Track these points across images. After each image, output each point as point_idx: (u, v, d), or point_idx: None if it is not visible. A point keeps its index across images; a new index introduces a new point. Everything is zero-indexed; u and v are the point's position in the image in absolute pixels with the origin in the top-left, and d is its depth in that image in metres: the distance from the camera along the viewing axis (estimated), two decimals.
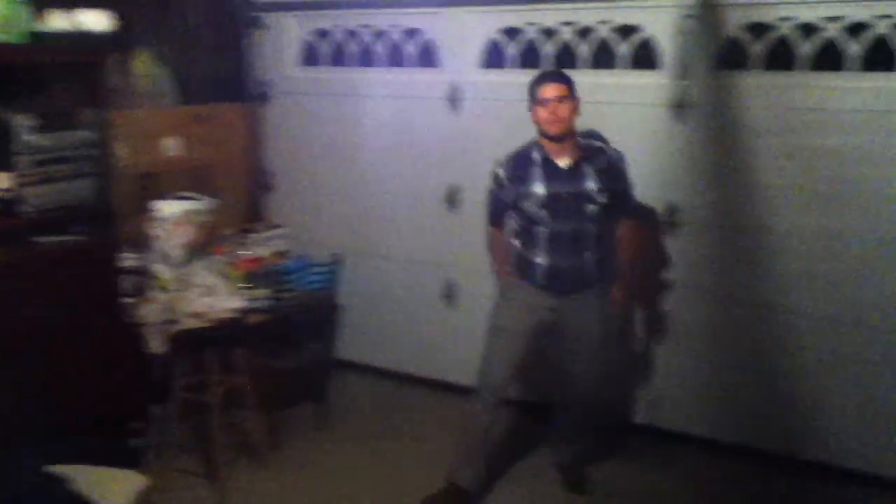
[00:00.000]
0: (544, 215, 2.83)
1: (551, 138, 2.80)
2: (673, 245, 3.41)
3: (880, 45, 2.95)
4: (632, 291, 3.13)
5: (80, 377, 2.97)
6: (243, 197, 4.28)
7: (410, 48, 3.88)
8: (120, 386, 3.12)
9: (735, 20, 3.16)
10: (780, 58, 3.13)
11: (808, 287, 3.21)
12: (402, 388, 4.11)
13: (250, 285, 3.50)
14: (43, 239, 2.95)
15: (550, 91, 2.75)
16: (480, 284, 3.64)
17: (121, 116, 3.61)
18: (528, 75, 2.76)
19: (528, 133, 3.51)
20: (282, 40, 4.18)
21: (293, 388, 3.79)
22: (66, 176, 2.98)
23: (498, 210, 3.00)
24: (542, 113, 2.77)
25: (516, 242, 2.97)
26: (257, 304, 3.35)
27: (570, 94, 2.77)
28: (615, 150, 2.92)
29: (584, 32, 3.46)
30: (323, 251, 3.88)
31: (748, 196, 3.23)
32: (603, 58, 3.46)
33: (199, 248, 3.39)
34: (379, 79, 3.98)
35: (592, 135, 2.96)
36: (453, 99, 3.75)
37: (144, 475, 2.57)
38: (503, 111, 3.56)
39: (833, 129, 3.04)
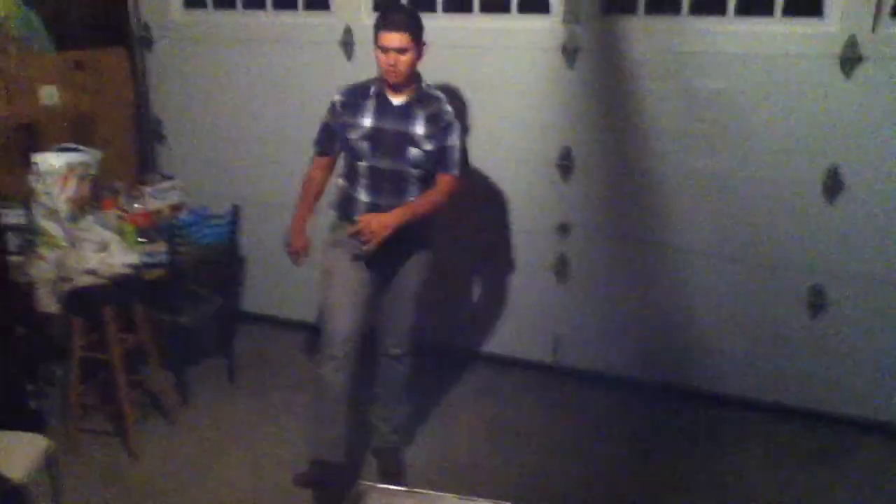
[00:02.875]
0: (366, 148, 2.77)
1: (390, 86, 2.75)
2: (567, 188, 3.52)
3: None
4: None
5: None
6: (131, 147, 4.10)
7: None
8: (13, 348, 2.99)
9: None
10: (667, 1, 3.24)
11: (695, 225, 3.39)
12: (304, 337, 4.12)
13: (145, 240, 3.40)
14: None
15: (391, 40, 2.63)
16: None
17: None
18: (425, 19, 2.74)
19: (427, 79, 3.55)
20: None
21: (197, 343, 3.74)
22: None
23: (326, 138, 2.90)
24: (381, 59, 2.68)
25: (341, 180, 2.91)
26: (154, 259, 3.26)
27: (414, 44, 2.66)
28: (451, 107, 2.81)
29: None
30: (218, 202, 3.79)
31: (638, 139, 3.37)
32: (494, 1, 3.48)
33: (88, 203, 3.26)
34: (268, 22, 3.87)
35: (440, 88, 2.90)
36: (346, 43, 3.70)
37: (47, 437, 2.50)
38: None
39: (715, 73, 3.19)
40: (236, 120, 4.03)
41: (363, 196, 2.83)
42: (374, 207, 2.79)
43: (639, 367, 3.64)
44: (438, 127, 2.78)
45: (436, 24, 3.49)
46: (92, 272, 3.00)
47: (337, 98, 2.85)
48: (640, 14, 3.28)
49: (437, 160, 2.80)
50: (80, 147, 3.36)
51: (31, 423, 2.90)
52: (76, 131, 3.69)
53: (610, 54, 3.32)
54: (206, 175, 4.11)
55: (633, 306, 3.58)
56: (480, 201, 3.67)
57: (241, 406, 3.56)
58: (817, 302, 3.29)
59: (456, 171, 2.83)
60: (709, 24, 3.19)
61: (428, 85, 2.83)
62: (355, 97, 2.82)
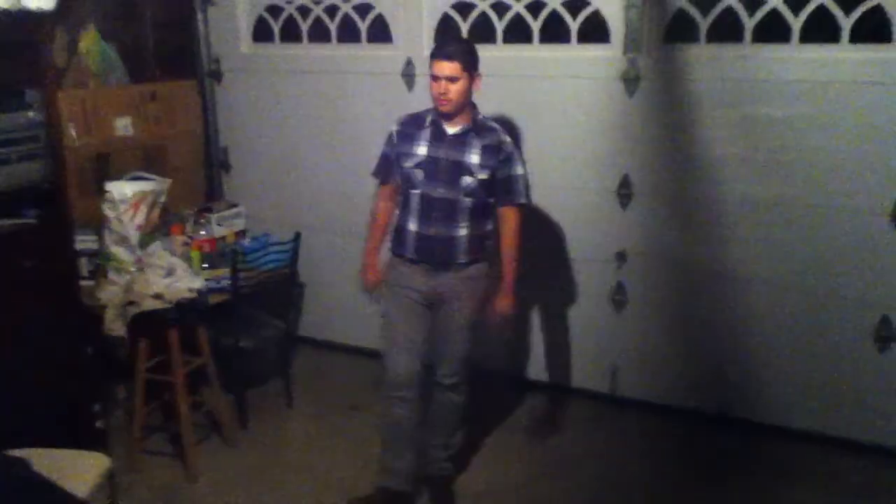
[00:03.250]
0: (419, 176, 2.79)
1: (442, 115, 2.77)
2: (626, 216, 3.48)
3: (822, 16, 3.04)
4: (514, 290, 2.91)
5: (39, 361, 2.94)
6: (199, 176, 4.24)
7: (362, 24, 3.87)
8: (81, 369, 3.10)
9: None
10: (727, 30, 3.20)
11: (755, 254, 3.31)
12: (362, 362, 4.15)
13: (210, 265, 3.50)
14: None
15: (442, 69, 2.67)
16: None
17: (69, 96, 3.56)
18: (482, 50, 2.77)
19: (484, 109, 3.57)
20: (234, 16, 4.14)
21: (257, 366, 3.81)
22: (15, 158, 2.92)
23: (385, 167, 2.94)
24: (433, 88, 2.72)
25: (398, 210, 2.92)
26: (218, 284, 3.35)
27: (465, 72, 2.68)
28: (510, 139, 2.85)
29: (535, 7, 3.49)
30: (280, 229, 3.89)
31: (698, 166, 3.32)
32: (554, 31, 3.49)
33: (156, 229, 3.38)
34: (332, 55, 3.97)
35: (497, 118, 2.95)
36: (407, 74, 3.77)
37: (109, 456, 2.58)
38: None
39: (777, 100, 3.13)
40: (299, 150, 4.13)
41: (412, 226, 2.84)
42: (423, 239, 2.82)
43: (697, 397, 3.55)
44: (498, 158, 2.80)
45: (495, 54, 3.56)
46: (158, 296, 3.10)
47: (395, 128, 2.91)
48: (702, 42, 3.25)
49: (502, 191, 2.84)
50: (151, 175, 3.49)
51: (96, 442, 2.99)
52: (147, 160, 3.84)
53: (670, 83, 3.29)
54: (270, 203, 4.22)
55: (692, 336, 3.50)
56: (539, 229, 3.66)
57: (298, 429, 3.60)
58: (885, 334, 3.16)
59: (523, 200, 2.87)
60: (772, 51, 3.14)
61: (484, 116, 2.85)
62: (412, 126, 2.86)
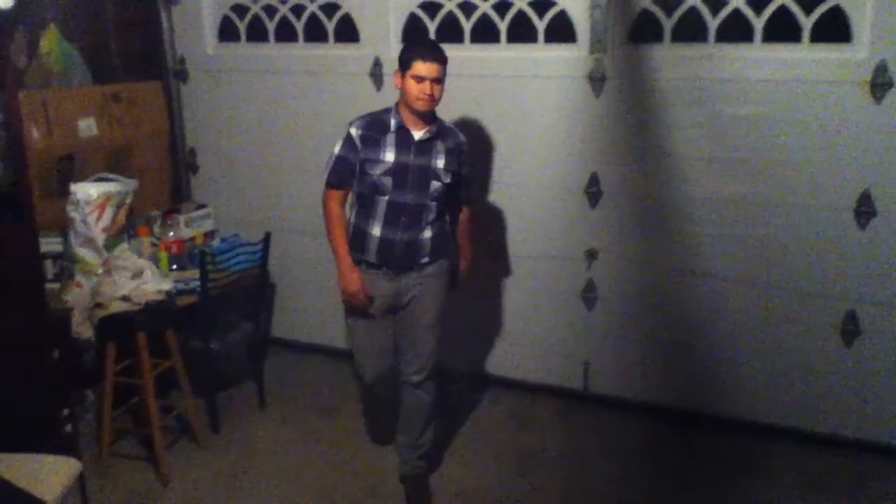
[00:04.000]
0: (388, 183, 2.78)
1: (418, 114, 2.77)
2: (595, 214, 3.52)
3: (784, 16, 3.11)
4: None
5: (5, 366, 2.88)
6: (165, 177, 4.19)
7: (329, 23, 3.86)
8: (48, 373, 3.05)
9: None
10: (692, 29, 3.26)
11: (723, 251, 3.36)
12: (335, 362, 4.14)
13: (178, 267, 3.46)
14: None
15: (429, 70, 2.69)
16: None
17: (29, 96, 3.50)
18: (449, 50, 2.78)
19: (454, 109, 3.60)
20: (198, 15, 4.10)
21: (227, 368, 3.78)
22: None
23: (343, 171, 2.83)
24: (415, 88, 2.70)
25: (353, 216, 2.90)
26: (186, 286, 3.31)
27: (444, 75, 2.74)
28: (465, 137, 2.94)
29: (502, 6, 3.52)
30: (249, 230, 3.86)
31: (665, 165, 3.37)
32: (521, 32, 3.52)
33: (123, 230, 3.34)
34: (299, 55, 3.95)
35: (461, 119, 3.09)
36: (375, 74, 3.77)
37: (78, 461, 2.54)
38: None
39: (742, 99, 3.19)
40: (267, 150, 4.11)
41: (376, 230, 2.82)
42: (387, 243, 2.82)
43: (669, 394, 3.60)
44: (458, 159, 2.88)
45: (463, 54, 3.58)
46: (126, 299, 3.06)
47: (355, 131, 2.82)
48: (667, 42, 3.30)
49: (457, 190, 2.93)
50: (117, 177, 3.45)
51: (65, 446, 2.95)
52: (113, 161, 3.79)
53: (636, 82, 3.34)
54: (239, 203, 4.19)
55: (663, 333, 3.55)
56: (508, 228, 3.69)
57: (271, 431, 3.58)
58: (851, 329, 3.24)
59: (476, 198, 3.06)
60: (736, 50, 3.19)
61: (440, 118, 2.90)
62: (374, 131, 2.81)
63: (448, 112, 3.57)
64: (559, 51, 3.46)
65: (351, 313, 2.97)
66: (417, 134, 2.79)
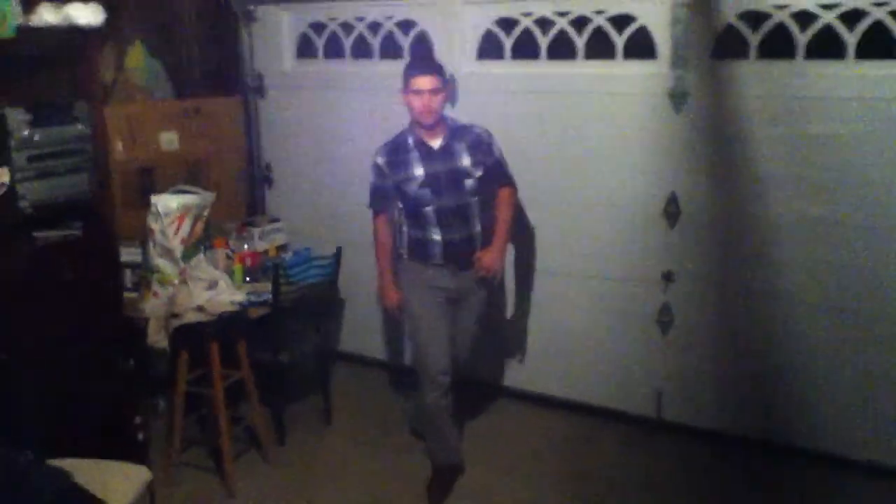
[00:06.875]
0: (428, 194, 2.98)
1: (425, 126, 2.97)
2: (673, 235, 3.41)
3: (877, 32, 2.96)
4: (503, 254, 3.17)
5: (82, 372, 2.96)
6: (241, 190, 4.27)
7: (405, 40, 3.87)
8: (122, 380, 3.11)
9: (730, 8, 3.16)
10: (778, 46, 3.14)
11: (806, 275, 3.21)
12: (401, 379, 4.11)
13: (251, 279, 3.50)
14: (41, 234, 2.93)
15: (424, 83, 2.89)
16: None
17: (115, 110, 3.61)
18: (525, 66, 2.75)
19: (529, 125, 3.55)
20: (277, 33, 4.17)
21: (296, 381, 3.80)
22: (62, 170, 2.96)
23: (382, 198, 3.10)
24: (416, 103, 2.92)
25: (408, 228, 3.10)
26: (259, 298, 3.34)
27: (442, 84, 2.94)
28: (482, 127, 3.09)
29: (580, 22, 3.46)
30: (321, 244, 3.88)
31: (746, 185, 3.24)
32: (599, 48, 3.46)
33: (199, 242, 3.39)
34: (374, 71, 3.97)
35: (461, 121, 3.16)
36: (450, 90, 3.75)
37: (149, 469, 2.57)
38: (500, 102, 3.57)
39: (830, 118, 3.04)
40: (341, 165, 4.12)
41: (437, 236, 3.03)
42: (450, 245, 3.03)
43: (745, 423, 3.44)
44: (483, 151, 3.04)
45: (539, 70, 3.54)
46: (201, 309, 3.10)
47: (380, 160, 3.06)
48: (752, 58, 3.18)
49: (491, 178, 3.07)
50: (195, 189, 3.51)
51: (136, 454, 2.99)
52: (191, 174, 3.87)
53: (719, 99, 3.23)
54: (311, 218, 4.22)
55: (740, 359, 3.40)
56: (583, 247, 3.60)
57: (336, 446, 3.57)
58: None
59: (512, 180, 3.14)
60: (826, 67, 3.06)
61: (452, 119, 3.05)
62: (397, 153, 3.04)
63: (524, 129, 3.55)
64: (639, 67, 3.38)
65: (413, 303, 3.11)
66: (435, 143, 3.01)
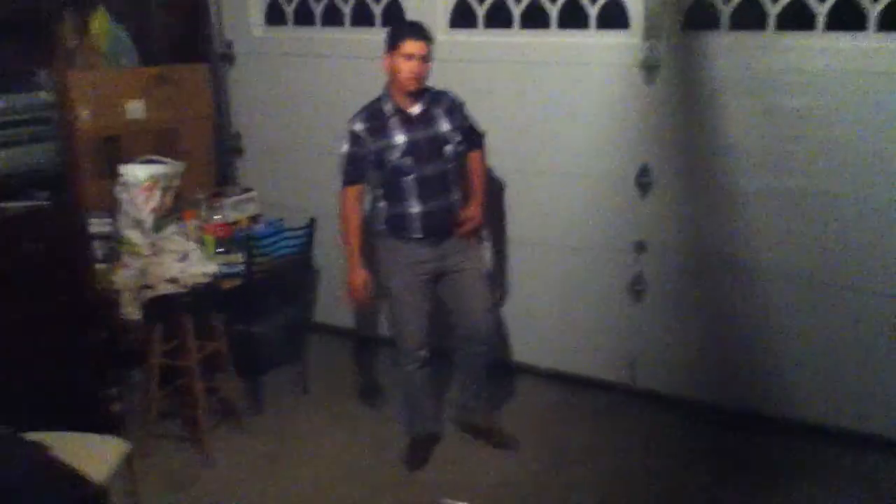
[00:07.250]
0: (410, 163, 2.91)
1: (408, 92, 2.89)
2: (645, 205, 3.45)
3: (847, 4, 2.99)
4: (484, 212, 3.16)
5: (53, 345, 2.92)
6: (211, 160, 4.20)
7: (377, 7, 3.82)
8: (95, 352, 3.08)
9: None
10: (749, 17, 3.15)
11: (777, 245, 3.27)
12: (377, 349, 4.13)
13: (223, 250, 3.46)
14: (5, 204, 2.87)
15: (417, 47, 2.82)
16: None
17: (79, 77, 3.51)
18: (498, 35, 2.73)
19: (502, 95, 3.54)
20: None
21: (270, 352, 3.79)
22: (25, 140, 2.89)
23: (359, 167, 2.97)
24: (405, 67, 2.83)
25: (384, 202, 3.02)
26: (231, 270, 3.31)
27: (431, 53, 2.87)
28: (452, 92, 3.06)
29: None
30: (294, 214, 3.84)
31: (718, 156, 3.28)
32: (572, 17, 3.45)
33: (170, 213, 3.34)
34: (346, 39, 3.92)
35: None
36: None
37: (126, 440, 2.55)
38: (472, 71, 3.55)
39: (802, 90, 3.08)
40: (313, 134, 4.08)
41: (414, 208, 2.96)
42: (427, 216, 2.96)
43: (717, 390, 3.52)
44: (459, 116, 3.02)
45: (512, 40, 3.52)
46: (173, 280, 3.07)
47: (357, 127, 2.94)
48: (723, 29, 3.20)
49: (467, 140, 3.05)
50: (164, 159, 3.45)
51: (112, 426, 2.97)
52: (159, 144, 3.80)
53: (690, 71, 3.25)
54: (284, 188, 4.18)
55: (712, 328, 3.47)
56: (557, 217, 3.63)
57: (312, 415, 3.58)
58: None
59: (483, 143, 3.13)
60: (796, 39, 3.09)
61: (427, 86, 2.98)
62: (375, 121, 2.93)
63: (496, 98, 3.54)
64: (611, 37, 3.38)
65: (391, 281, 3.05)
66: (414, 110, 2.93)
